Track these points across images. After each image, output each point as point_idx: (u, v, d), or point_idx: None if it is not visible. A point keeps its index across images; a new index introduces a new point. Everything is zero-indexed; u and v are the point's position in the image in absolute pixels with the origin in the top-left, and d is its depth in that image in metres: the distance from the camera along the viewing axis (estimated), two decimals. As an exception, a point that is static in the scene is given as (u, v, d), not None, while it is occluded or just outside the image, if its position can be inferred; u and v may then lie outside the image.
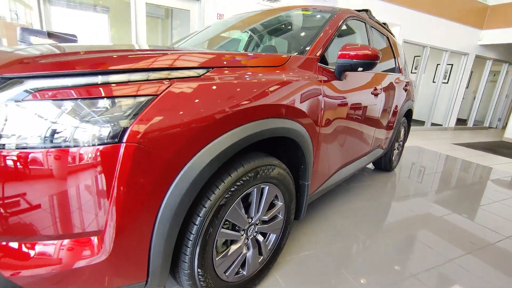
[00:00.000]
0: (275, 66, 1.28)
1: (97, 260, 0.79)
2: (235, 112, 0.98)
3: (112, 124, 0.75)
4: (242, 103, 1.01)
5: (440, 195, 2.89)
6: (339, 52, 1.57)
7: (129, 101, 0.78)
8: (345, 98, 1.75)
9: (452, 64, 7.79)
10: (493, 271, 1.68)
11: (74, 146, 0.72)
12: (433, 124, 7.83)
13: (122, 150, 0.75)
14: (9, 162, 0.71)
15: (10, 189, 0.72)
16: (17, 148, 0.71)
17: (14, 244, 0.78)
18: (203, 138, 0.89)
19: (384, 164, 3.28)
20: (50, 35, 2.05)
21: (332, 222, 2.07)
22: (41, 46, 1.01)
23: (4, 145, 0.71)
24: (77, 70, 0.76)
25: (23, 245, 0.78)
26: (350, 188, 2.79)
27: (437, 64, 7.85)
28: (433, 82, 8.28)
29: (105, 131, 0.74)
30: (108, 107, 0.76)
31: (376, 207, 2.41)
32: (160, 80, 0.84)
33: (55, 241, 0.78)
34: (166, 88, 0.84)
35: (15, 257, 0.78)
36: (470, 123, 8.67)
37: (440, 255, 1.78)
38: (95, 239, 0.79)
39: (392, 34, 3.17)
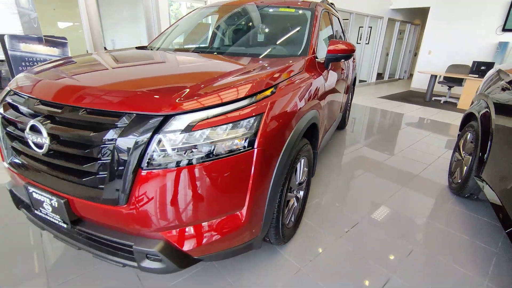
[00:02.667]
0: (300, 72, 1.69)
1: (241, 226, 1.20)
2: (297, 113, 1.41)
3: (249, 138, 1.12)
4: (299, 105, 1.44)
5: (378, 141, 3.86)
6: (329, 48, 2.04)
7: (254, 120, 1.14)
8: (330, 81, 2.29)
9: (371, 27, 9.02)
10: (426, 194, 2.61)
11: (233, 154, 1.09)
12: (360, 81, 9.21)
13: (255, 152, 1.14)
14: (197, 171, 1.04)
15: (200, 189, 1.06)
16: (197, 162, 1.04)
17: (191, 227, 1.13)
18: (285, 136, 1.32)
19: (341, 123, 4.08)
20: (42, 40, 1.96)
21: (323, 176, 2.74)
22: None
23: (192, 159, 1.03)
24: (219, 102, 1.08)
25: (194, 227, 1.14)
26: (325, 148, 3.51)
27: (360, 27, 8.97)
28: (358, 43, 9.50)
29: (248, 143, 1.11)
30: (246, 126, 1.11)
31: (345, 158, 3.19)
32: (262, 100, 1.21)
33: (218, 219, 1.16)
34: (267, 106, 1.21)
35: (192, 236, 1.13)
36: (386, 77, 10.43)
37: (384, 188, 2.64)
38: (241, 212, 1.19)
39: (338, 13, 3.75)
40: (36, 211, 1.28)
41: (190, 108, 1.04)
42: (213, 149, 1.06)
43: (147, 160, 1.01)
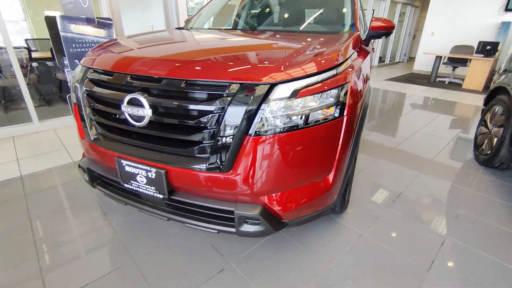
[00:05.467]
0: (358, 47, 1.73)
1: (328, 190, 1.28)
2: (364, 84, 1.47)
3: (341, 105, 1.18)
4: (365, 77, 1.50)
5: (400, 120, 3.97)
6: (372, 25, 2.09)
7: (343, 88, 1.20)
8: (371, 58, 2.34)
9: (374, 9, 9.00)
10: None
11: (328, 120, 1.15)
12: (363, 65, 9.26)
13: (345, 119, 1.21)
14: (298, 137, 1.10)
15: (300, 154, 1.13)
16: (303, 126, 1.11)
17: (288, 191, 1.20)
18: (358, 105, 1.38)
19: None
20: (89, 21, 1.94)
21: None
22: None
23: (294, 126, 1.10)
24: (314, 71, 1.13)
25: (290, 191, 1.21)
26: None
27: (364, 10, 8.93)
28: (359, 26, 9.48)
29: (339, 111, 1.18)
30: (338, 94, 1.17)
31: (370, 137, 3.29)
32: (345, 70, 1.26)
33: (310, 182, 1.23)
34: (350, 76, 1.27)
35: (287, 200, 1.21)
36: (387, 60, 10.51)
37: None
38: (329, 176, 1.27)
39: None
40: (125, 185, 1.33)
41: (294, 76, 1.09)
42: (313, 116, 1.12)
43: (255, 128, 1.07)
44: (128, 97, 1.15)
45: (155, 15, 5.40)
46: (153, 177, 1.22)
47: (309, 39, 1.64)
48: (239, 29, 2.32)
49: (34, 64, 4.45)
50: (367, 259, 1.53)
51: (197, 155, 1.14)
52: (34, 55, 4.24)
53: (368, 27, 2.14)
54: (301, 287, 1.35)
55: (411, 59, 11.14)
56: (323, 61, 1.19)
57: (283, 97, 1.07)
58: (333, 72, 1.20)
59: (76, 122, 1.52)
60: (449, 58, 6.89)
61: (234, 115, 1.06)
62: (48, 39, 5.49)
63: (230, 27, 2.52)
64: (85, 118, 1.38)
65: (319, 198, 1.29)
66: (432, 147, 3.04)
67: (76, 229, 1.70)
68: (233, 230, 1.22)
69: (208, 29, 2.28)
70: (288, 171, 1.16)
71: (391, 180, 2.34)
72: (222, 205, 1.20)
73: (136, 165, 1.23)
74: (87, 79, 1.35)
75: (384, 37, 2.16)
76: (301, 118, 1.11)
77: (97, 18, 1.94)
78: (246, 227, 1.21)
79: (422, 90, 6.13)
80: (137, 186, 1.30)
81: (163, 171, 1.18)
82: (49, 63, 4.41)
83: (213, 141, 1.10)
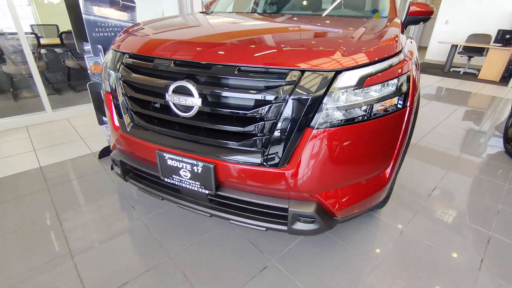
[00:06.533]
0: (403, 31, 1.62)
1: (384, 185, 1.20)
2: (417, 72, 1.37)
3: (404, 95, 1.08)
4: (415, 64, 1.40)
5: (427, 109, 3.86)
6: (410, 10, 1.96)
7: (406, 77, 1.10)
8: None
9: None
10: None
11: (392, 111, 1.06)
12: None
13: (407, 110, 1.11)
14: (362, 129, 1.02)
15: (362, 147, 1.05)
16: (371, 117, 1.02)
17: (345, 187, 1.12)
18: (415, 94, 1.28)
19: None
20: (112, 3, 1.81)
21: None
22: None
23: (359, 117, 1.01)
24: (379, 58, 1.03)
25: (348, 188, 1.13)
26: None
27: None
28: (370, 14, 9.22)
29: (403, 101, 1.08)
30: (401, 83, 1.07)
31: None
32: (404, 59, 1.15)
33: (368, 178, 1.15)
34: (409, 63, 1.16)
35: (344, 197, 1.13)
36: (396, 49, 10.25)
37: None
38: (386, 171, 1.19)
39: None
40: (166, 179, 1.24)
41: (360, 63, 0.99)
42: (377, 107, 1.03)
43: (318, 119, 0.98)
44: (174, 85, 1.05)
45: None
46: (199, 171, 1.13)
47: (358, 24, 1.52)
48: (272, 13, 2.17)
49: (43, 51, 4.31)
50: (413, 257, 1.46)
51: (251, 148, 1.05)
52: (42, 41, 4.09)
53: (405, 12, 2.01)
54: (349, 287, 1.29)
55: (422, 48, 10.87)
56: (386, 47, 1.09)
57: (348, 86, 0.97)
58: (396, 59, 1.10)
59: (108, 112, 1.42)
60: (464, 48, 6.69)
61: (295, 105, 0.96)
62: (54, 25, 5.31)
63: (261, 11, 2.37)
64: (120, 108, 1.28)
65: (376, 194, 1.21)
66: (457, 140, 2.95)
67: (106, 224, 1.64)
68: (284, 228, 1.14)
69: (237, 13, 2.14)
70: (349, 166, 1.07)
71: (421, 175, 2.26)
72: (275, 202, 1.12)
73: (180, 158, 1.15)
74: (123, 66, 1.25)
75: (422, 22, 2.03)
76: (366, 109, 1.01)
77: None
78: (300, 225, 1.13)
79: (437, 81, 5.97)
80: (179, 181, 1.22)
81: (211, 166, 1.09)
82: (58, 50, 4.27)
83: (269, 133, 1.01)
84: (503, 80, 5.98)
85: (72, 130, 2.94)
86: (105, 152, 2.36)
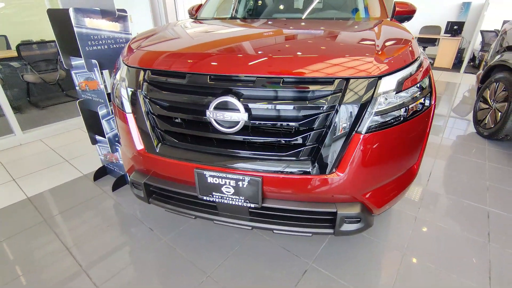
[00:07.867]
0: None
1: (413, 178, 1.29)
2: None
3: (430, 94, 1.17)
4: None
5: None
6: (397, 9, 2.10)
7: (429, 77, 1.19)
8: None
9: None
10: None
11: (424, 109, 1.13)
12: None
13: (433, 106, 1.20)
14: (403, 130, 1.08)
15: (402, 147, 1.11)
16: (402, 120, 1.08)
17: (385, 185, 1.18)
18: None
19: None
20: (104, 13, 1.68)
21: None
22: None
23: (401, 118, 1.06)
24: (410, 61, 1.09)
25: (386, 185, 1.19)
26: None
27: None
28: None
29: (429, 98, 1.17)
30: (427, 83, 1.15)
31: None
32: (423, 60, 1.24)
33: (401, 174, 1.22)
34: (427, 64, 1.25)
35: (383, 195, 1.18)
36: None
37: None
38: (415, 165, 1.27)
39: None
40: (205, 197, 1.20)
41: (397, 67, 1.04)
42: (413, 107, 1.10)
43: (365, 124, 1.01)
44: (216, 101, 1.02)
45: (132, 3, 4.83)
46: (245, 186, 1.11)
47: (365, 26, 1.58)
48: (269, 18, 2.15)
49: (-4, 66, 3.82)
50: (432, 239, 1.59)
51: (300, 158, 1.05)
52: (-5, 55, 3.64)
53: (392, 12, 2.15)
54: (395, 282, 1.36)
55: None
56: (411, 50, 1.16)
57: (390, 90, 1.02)
58: (420, 61, 1.18)
59: (124, 133, 1.32)
60: (419, 39, 7.30)
61: (343, 112, 0.99)
62: (3, 36, 4.73)
63: (258, 17, 2.34)
64: (148, 127, 1.20)
65: (407, 188, 1.29)
66: (435, 126, 3.23)
67: (130, 253, 1.53)
68: (331, 231, 1.17)
69: (242, 19, 2.10)
70: (391, 165, 1.13)
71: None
72: (323, 207, 1.14)
73: (224, 175, 1.11)
74: (147, 83, 1.17)
75: (406, 21, 2.19)
76: (404, 111, 1.07)
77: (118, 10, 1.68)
78: (346, 227, 1.17)
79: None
80: (220, 197, 1.18)
81: (259, 179, 1.08)
82: (14, 64, 3.81)
83: (318, 141, 1.03)
84: (455, 67, 6.65)
85: (51, 152, 2.67)
86: (100, 173, 2.19)
